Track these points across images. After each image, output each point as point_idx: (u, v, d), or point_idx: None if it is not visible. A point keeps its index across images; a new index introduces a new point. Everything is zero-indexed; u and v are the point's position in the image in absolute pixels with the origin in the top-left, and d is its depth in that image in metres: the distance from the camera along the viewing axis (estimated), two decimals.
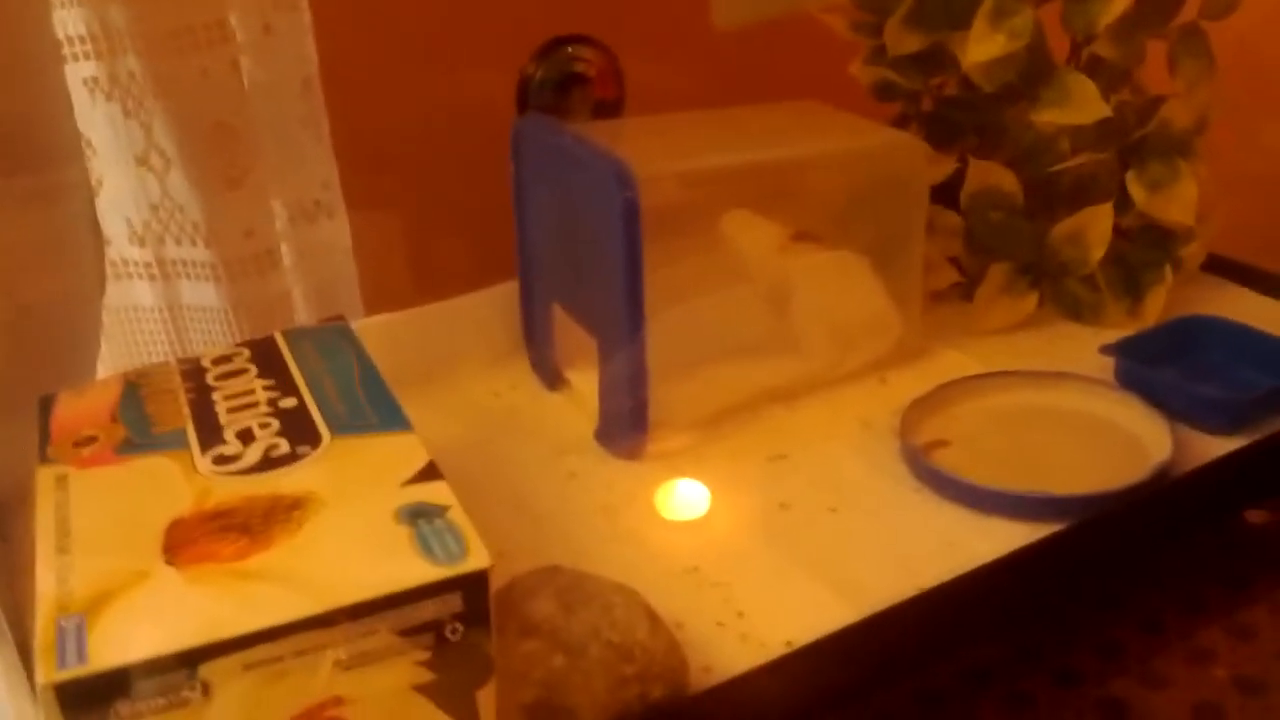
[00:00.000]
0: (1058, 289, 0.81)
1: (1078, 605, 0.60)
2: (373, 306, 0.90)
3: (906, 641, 0.55)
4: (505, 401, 0.79)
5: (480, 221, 0.84)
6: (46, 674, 0.40)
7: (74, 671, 0.40)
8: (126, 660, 0.41)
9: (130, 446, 0.54)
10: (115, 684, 0.40)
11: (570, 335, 0.76)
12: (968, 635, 0.57)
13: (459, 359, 0.82)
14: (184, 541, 0.47)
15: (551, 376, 0.80)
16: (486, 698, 0.46)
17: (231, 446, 0.53)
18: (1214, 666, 0.58)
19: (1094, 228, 0.78)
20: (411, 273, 0.93)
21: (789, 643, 0.54)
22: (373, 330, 0.67)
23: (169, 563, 0.45)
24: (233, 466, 0.51)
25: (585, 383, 0.75)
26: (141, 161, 0.81)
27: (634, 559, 0.61)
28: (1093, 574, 0.61)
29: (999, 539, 0.60)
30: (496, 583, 0.45)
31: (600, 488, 0.68)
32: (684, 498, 0.67)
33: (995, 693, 0.57)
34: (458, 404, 0.79)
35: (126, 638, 0.42)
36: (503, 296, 0.83)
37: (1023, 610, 0.59)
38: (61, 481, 0.52)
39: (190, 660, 0.41)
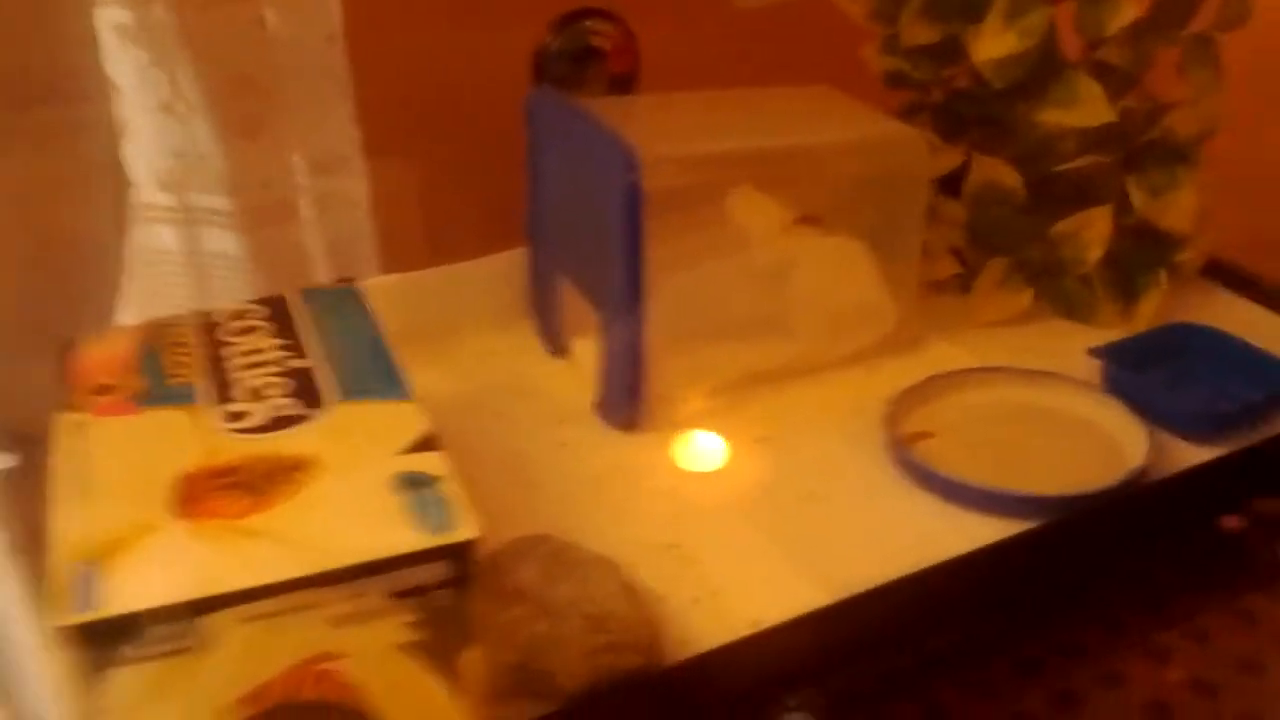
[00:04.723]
0: (1054, 287, 0.83)
1: (1044, 601, 0.63)
2: (387, 262, 0.92)
3: (872, 628, 0.58)
4: (508, 365, 0.81)
5: (495, 185, 0.85)
6: (60, 616, 0.43)
7: (85, 615, 0.43)
8: (134, 608, 0.43)
9: (146, 398, 0.56)
10: (123, 629, 0.43)
11: (576, 304, 0.78)
12: (933, 625, 0.60)
13: (467, 321, 0.84)
14: (192, 496, 0.49)
15: (556, 344, 0.82)
16: (470, 660, 0.49)
17: (241, 404, 0.55)
18: (1170, 668, 0.61)
19: (1092, 228, 0.79)
20: (425, 231, 0.94)
21: (758, 621, 0.57)
22: (384, 289, 0.69)
23: (177, 516, 0.48)
24: (241, 424, 0.54)
25: (588, 352, 0.77)
26: (166, 109, 0.83)
27: (620, 531, 0.63)
28: (1061, 572, 0.63)
29: (973, 533, 0.63)
30: (486, 546, 0.48)
31: (594, 457, 0.71)
32: (674, 477, 0.70)
33: (955, 679, 0.59)
34: (462, 365, 0.81)
35: (135, 586, 0.44)
36: (512, 262, 0.85)
37: (989, 604, 0.61)
38: (80, 428, 0.54)
39: (193, 611, 0.44)
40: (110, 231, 0.81)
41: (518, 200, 0.82)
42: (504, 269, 0.86)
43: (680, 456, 0.70)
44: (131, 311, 0.87)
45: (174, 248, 0.90)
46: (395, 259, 0.91)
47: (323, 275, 0.90)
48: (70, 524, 0.48)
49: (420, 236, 0.96)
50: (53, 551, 0.46)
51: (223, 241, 0.88)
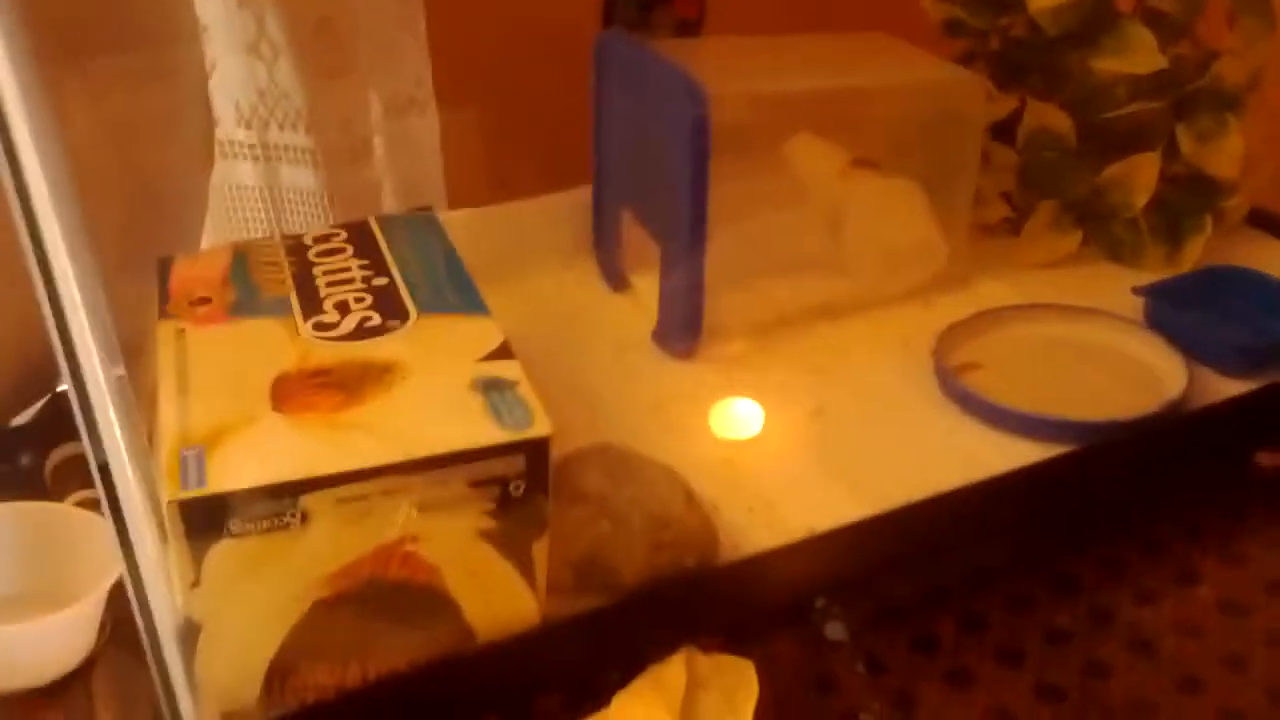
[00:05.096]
0: (1102, 230, 0.85)
1: (1082, 522, 0.66)
2: (455, 201, 0.96)
3: (916, 540, 0.61)
4: (571, 298, 0.85)
5: (559, 128, 0.89)
6: (171, 493, 0.47)
7: (195, 492, 0.47)
8: (240, 485, 0.48)
9: (240, 309, 0.60)
10: (229, 505, 0.47)
11: (636, 240, 0.81)
12: (975, 539, 0.63)
13: (531, 255, 0.88)
14: (288, 393, 0.53)
15: (616, 278, 0.85)
16: (541, 550, 0.53)
17: (330, 315, 0.59)
18: (1201, 588, 0.63)
19: (1141, 174, 0.82)
20: (491, 171, 0.98)
21: (810, 530, 0.60)
22: (454, 223, 0.73)
23: (275, 409, 0.52)
24: (331, 333, 0.58)
25: (647, 286, 0.81)
26: (252, 50, 0.87)
27: (679, 447, 0.66)
28: (1099, 494, 0.66)
29: (1016, 456, 0.66)
30: (554, 456, 0.51)
31: (653, 383, 0.74)
32: (730, 401, 0.73)
33: (997, 592, 0.62)
34: (527, 297, 0.84)
35: (239, 468, 0.48)
36: (575, 200, 0.89)
37: (1030, 522, 0.64)
38: (180, 334, 0.58)
39: (293, 490, 0.48)
40: (196, 165, 0.85)
41: (580, 142, 0.85)
42: (566, 207, 0.90)
43: (736, 383, 0.73)
44: (214, 239, 0.92)
45: (253, 182, 0.94)
46: (462, 197, 0.95)
47: (392, 211, 0.94)
48: (177, 415, 0.52)
49: (486, 177, 1.00)
50: (162, 439, 0.50)
51: (299, 177, 0.92)
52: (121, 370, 0.47)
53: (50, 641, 0.58)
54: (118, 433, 0.46)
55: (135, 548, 0.48)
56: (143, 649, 0.58)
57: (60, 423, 0.77)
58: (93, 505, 0.67)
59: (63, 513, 0.65)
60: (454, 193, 0.95)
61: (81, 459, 0.73)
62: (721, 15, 0.91)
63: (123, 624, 0.59)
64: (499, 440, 0.51)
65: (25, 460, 0.74)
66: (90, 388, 0.45)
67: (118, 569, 0.59)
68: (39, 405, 0.78)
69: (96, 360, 0.45)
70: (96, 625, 0.60)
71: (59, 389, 0.80)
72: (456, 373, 0.55)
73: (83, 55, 0.71)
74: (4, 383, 0.75)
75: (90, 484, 0.70)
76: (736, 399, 0.73)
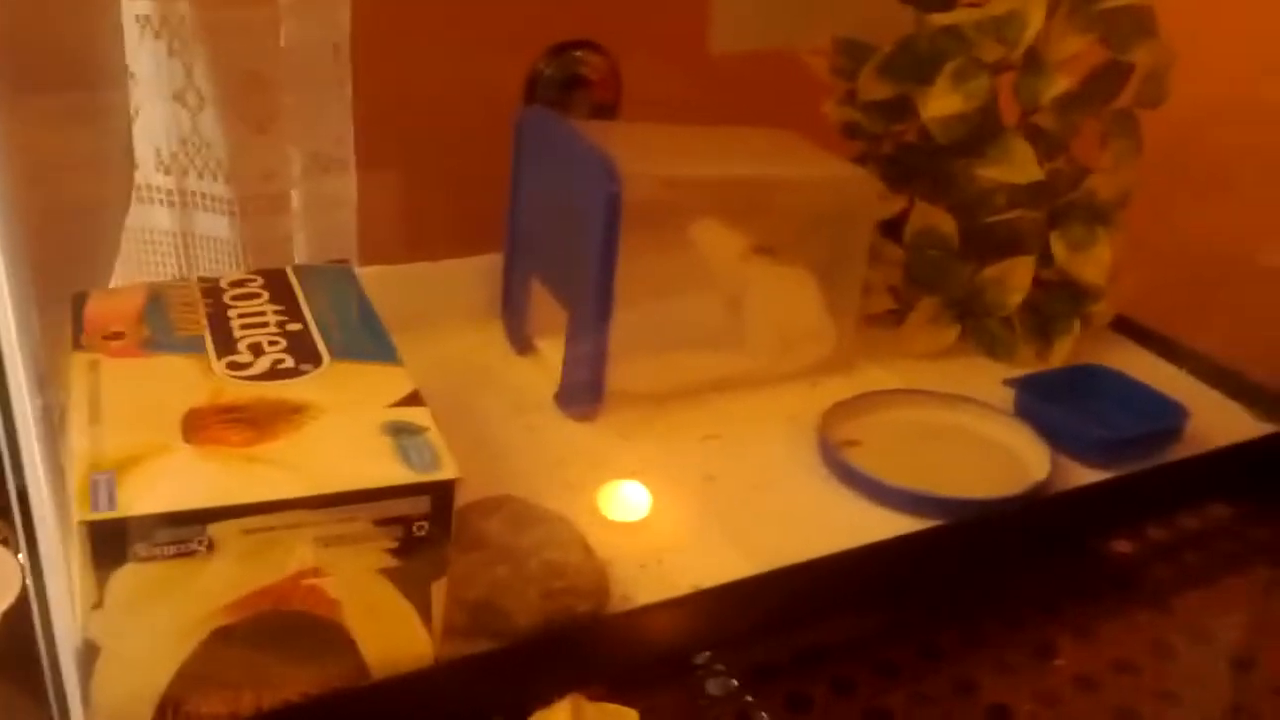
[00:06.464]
0: (978, 326, 0.91)
1: (947, 591, 0.70)
2: (365, 259, 0.98)
3: (793, 601, 0.65)
4: (477, 358, 0.88)
5: (473, 196, 0.92)
6: (81, 514, 0.48)
7: (104, 514, 0.48)
8: (149, 510, 0.49)
9: (154, 345, 0.62)
10: (138, 529, 0.49)
11: (543, 307, 0.85)
12: (848, 604, 0.67)
13: (439, 315, 0.90)
14: (199, 426, 0.55)
15: (522, 342, 0.89)
16: (439, 591, 0.55)
17: (243, 356, 0.61)
18: (1057, 659, 0.68)
19: (1016, 276, 0.88)
20: (404, 233, 1.01)
21: (695, 586, 0.63)
22: (365, 278, 0.75)
23: (186, 441, 0.54)
24: (244, 372, 0.59)
25: (551, 350, 0.84)
26: (178, 98, 0.89)
27: (576, 504, 0.69)
28: (964, 567, 0.70)
29: (889, 527, 0.70)
30: (457, 503, 0.54)
31: (554, 443, 0.77)
32: (627, 463, 0.76)
33: (867, 657, 0.66)
34: (434, 356, 0.85)
35: (149, 494, 0.50)
36: (485, 265, 0.92)
37: (899, 591, 0.68)
38: (94, 366, 0.60)
39: (200, 518, 0.50)
40: (116, 206, 0.87)
41: (493, 210, 0.89)
42: (476, 272, 0.92)
43: (634, 446, 0.76)
44: (123, 281, 0.92)
45: (167, 228, 0.95)
46: (374, 256, 0.97)
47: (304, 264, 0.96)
48: (89, 443, 0.53)
49: (399, 238, 1.02)
50: (75, 463, 0.52)
51: (215, 226, 0.94)
52: (43, 399, 0.48)
53: None
54: (38, 458, 0.47)
55: (44, 569, 0.49)
56: (26, 678, 0.58)
57: None
58: None
59: None
60: (366, 251, 0.97)
61: None
62: (636, 102, 0.96)
63: (6, 654, 0.60)
64: (406, 480, 0.53)
65: None
66: (16, 414, 0.46)
67: (6, 598, 0.59)
68: None
69: (24, 387, 0.46)
70: None
71: None
72: (367, 416, 0.57)
73: (13, 90, 0.72)
74: None
75: None
76: (633, 461, 0.76)
